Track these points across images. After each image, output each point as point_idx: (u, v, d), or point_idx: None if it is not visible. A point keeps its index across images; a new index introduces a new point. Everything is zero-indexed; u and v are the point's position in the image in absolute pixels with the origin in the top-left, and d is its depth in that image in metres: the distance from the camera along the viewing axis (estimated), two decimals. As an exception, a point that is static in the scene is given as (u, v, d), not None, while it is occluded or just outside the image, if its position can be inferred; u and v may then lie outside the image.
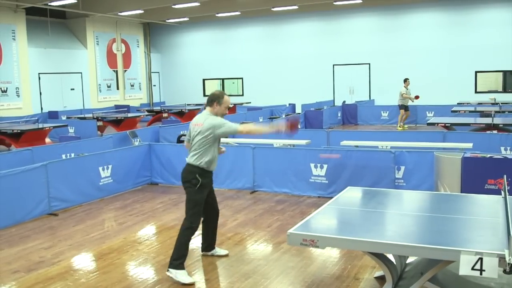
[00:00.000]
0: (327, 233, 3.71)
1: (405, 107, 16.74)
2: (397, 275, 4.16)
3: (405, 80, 16.80)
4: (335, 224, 4.07)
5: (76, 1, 17.41)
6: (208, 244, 5.36)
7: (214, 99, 4.87)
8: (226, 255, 5.37)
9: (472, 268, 3.27)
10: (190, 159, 4.89)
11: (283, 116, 16.59)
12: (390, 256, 4.27)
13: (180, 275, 4.72)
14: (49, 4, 17.94)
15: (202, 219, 5.11)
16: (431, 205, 4.71)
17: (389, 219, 4.27)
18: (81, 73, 21.86)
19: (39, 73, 19.99)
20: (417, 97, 16.67)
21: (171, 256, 4.82)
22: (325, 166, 7.78)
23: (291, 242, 3.73)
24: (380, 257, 3.96)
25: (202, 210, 4.97)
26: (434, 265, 3.80)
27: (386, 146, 9.36)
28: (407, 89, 16.69)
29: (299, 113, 17.33)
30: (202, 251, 5.39)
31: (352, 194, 5.05)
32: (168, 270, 4.79)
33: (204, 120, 4.84)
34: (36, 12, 19.95)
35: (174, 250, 4.80)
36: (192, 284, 4.71)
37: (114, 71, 23.56)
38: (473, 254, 3.28)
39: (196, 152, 4.83)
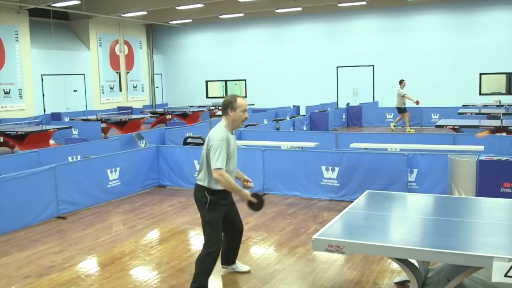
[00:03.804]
0: (353, 239, 3.61)
1: (404, 109, 16.45)
2: (421, 280, 4.06)
3: (401, 82, 16.59)
4: (359, 229, 3.97)
5: (79, 2, 17.32)
6: (227, 258, 4.93)
7: (227, 106, 4.33)
8: (248, 272, 4.96)
9: (506, 275, 3.17)
10: (197, 177, 4.43)
11: (288, 118, 16.50)
12: (413, 261, 4.17)
13: None
14: (52, 5, 17.88)
15: (223, 234, 4.64)
16: (451, 209, 4.61)
17: (412, 224, 4.16)
18: (83, 74, 21.78)
19: (42, 75, 19.91)
20: (417, 102, 16.48)
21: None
22: (337, 168, 7.68)
23: (316, 247, 3.63)
24: (405, 263, 3.86)
25: (221, 233, 4.46)
26: (460, 271, 3.70)
27: (396, 149, 9.28)
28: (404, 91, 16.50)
29: (304, 114, 17.23)
30: (222, 264, 4.95)
31: (371, 198, 4.95)
32: None
33: (209, 134, 4.38)
34: (39, 13, 19.88)
35: (194, 275, 4.38)
36: None
37: (116, 72, 23.47)
38: (506, 260, 3.18)
39: (202, 169, 4.38)
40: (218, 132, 4.30)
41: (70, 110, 20.47)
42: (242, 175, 4.71)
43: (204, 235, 4.41)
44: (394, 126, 16.74)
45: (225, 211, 4.50)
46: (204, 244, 4.37)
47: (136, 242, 6.08)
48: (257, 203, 4.47)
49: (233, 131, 4.47)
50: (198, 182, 4.40)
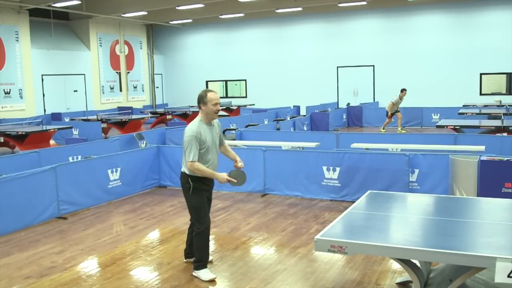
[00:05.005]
0: (356, 239, 3.60)
1: (391, 114, 15.95)
2: (424, 281, 4.05)
3: (403, 90, 15.83)
4: (361, 229, 3.96)
5: (79, 2, 17.31)
6: (191, 251, 5.13)
7: (199, 101, 4.75)
8: (210, 262, 5.15)
9: (509, 276, 3.16)
10: (182, 166, 4.86)
11: (288, 118, 16.49)
12: (415, 262, 4.16)
13: (201, 274, 4.85)
14: (53, 5, 17.86)
15: (189, 225, 5.11)
16: (453, 210, 4.60)
17: (414, 224, 4.15)
18: (84, 74, 21.77)
19: (42, 75, 19.89)
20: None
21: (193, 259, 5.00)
22: (338, 169, 7.67)
23: (318, 248, 3.62)
24: (407, 263, 3.85)
25: (207, 214, 4.86)
26: (463, 272, 3.70)
27: (397, 149, 9.27)
28: (401, 100, 15.88)
29: (304, 114, 17.21)
30: (185, 258, 5.28)
31: (372, 199, 4.94)
32: (193, 271, 4.95)
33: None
34: (40, 13, 19.88)
35: (195, 253, 4.93)
36: (213, 279, 4.81)
37: (117, 72, 23.46)
38: (509, 261, 3.17)
39: (184, 159, 4.80)
40: (190, 127, 4.72)
41: (71, 110, 20.46)
42: (234, 156, 5.06)
43: (191, 217, 4.92)
44: (400, 128, 16.24)
45: (208, 197, 4.92)
46: (194, 226, 4.88)
47: (137, 242, 6.07)
48: (237, 181, 4.78)
49: (211, 123, 4.83)
50: (182, 170, 4.84)
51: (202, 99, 4.72)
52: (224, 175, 4.72)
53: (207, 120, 4.76)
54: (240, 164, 4.92)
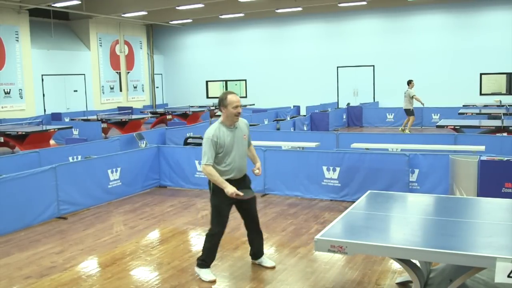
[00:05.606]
0: (356, 239, 3.60)
1: (412, 112, 15.65)
2: (424, 281, 4.05)
3: (410, 82, 15.68)
4: (362, 229, 3.96)
5: (79, 2, 17.31)
6: (253, 252, 5.16)
7: (219, 104, 4.69)
8: (272, 268, 5.06)
9: (509, 276, 3.16)
10: None
11: (288, 118, 16.49)
12: (416, 262, 4.16)
13: (202, 273, 4.84)
14: (53, 5, 17.87)
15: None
16: (453, 210, 4.60)
17: (414, 224, 4.15)
18: (84, 74, 21.77)
19: (42, 75, 19.90)
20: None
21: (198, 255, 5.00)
22: (338, 169, 7.67)
23: (318, 248, 3.62)
24: (407, 263, 3.85)
25: (224, 219, 4.78)
26: (463, 272, 3.70)
27: (397, 149, 9.28)
28: (413, 91, 15.62)
29: (304, 114, 17.22)
30: (251, 256, 5.22)
31: (372, 199, 4.94)
32: (196, 267, 4.95)
33: None
34: (40, 13, 19.88)
35: (202, 250, 4.90)
36: (213, 281, 4.78)
37: (117, 72, 23.46)
38: (509, 261, 3.17)
39: None
40: (209, 130, 4.69)
41: (71, 110, 20.46)
42: (254, 159, 5.01)
43: (211, 218, 4.86)
44: (407, 129, 15.62)
45: (233, 202, 4.76)
46: (210, 225, 4.85)
47: (137, 242, 6.07)
48: (243, 197, 4.64)
49: (234, 125, 4.72)
50: None
51: (222, 102, 4.64)
52: (232, 189, 4.54)
53: (228, 122, 4.67)
54: (257, 171, 4.81)
